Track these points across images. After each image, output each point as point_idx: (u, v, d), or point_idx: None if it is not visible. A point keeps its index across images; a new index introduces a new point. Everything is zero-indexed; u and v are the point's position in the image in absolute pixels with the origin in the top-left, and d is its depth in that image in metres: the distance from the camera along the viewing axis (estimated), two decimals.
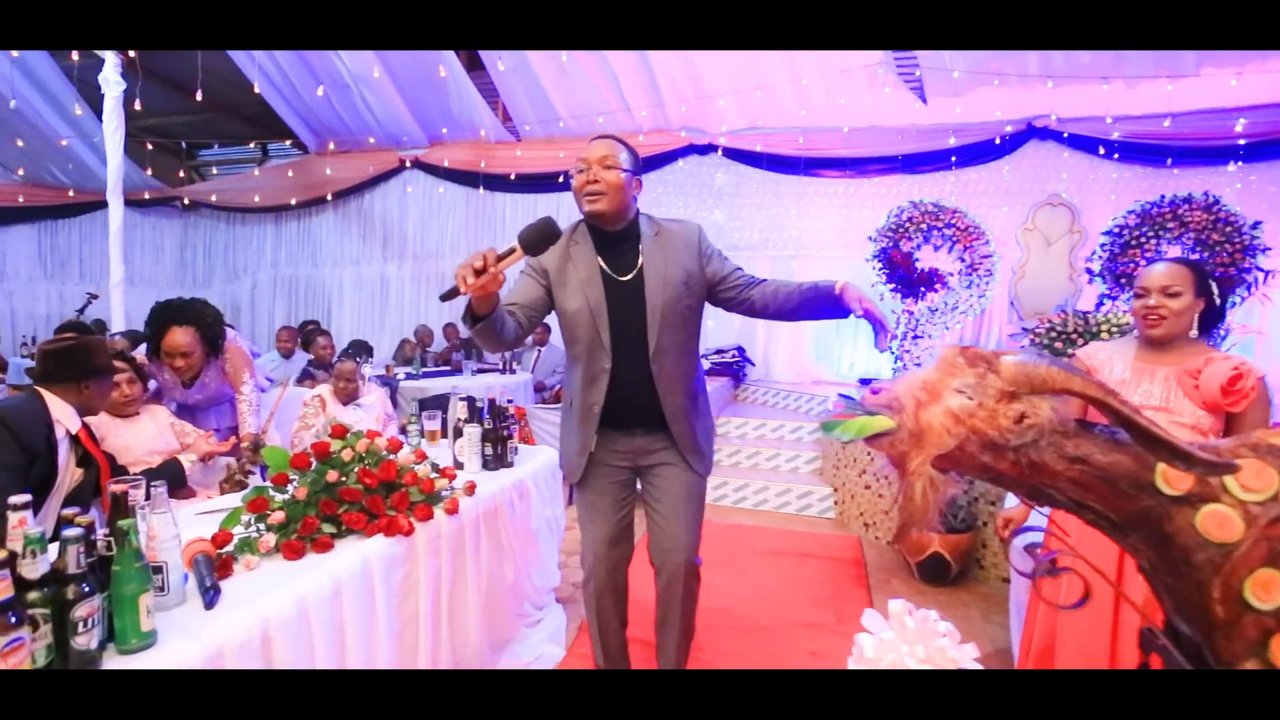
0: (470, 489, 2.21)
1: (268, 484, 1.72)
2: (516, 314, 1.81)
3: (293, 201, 8.39)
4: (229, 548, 1.59)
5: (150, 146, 8.10)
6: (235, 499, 1.92)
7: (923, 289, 5.99)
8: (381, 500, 1.84)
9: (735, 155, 6.93)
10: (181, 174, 8.56)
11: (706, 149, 7.02)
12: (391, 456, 2.00)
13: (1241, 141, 5.66)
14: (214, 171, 9.67)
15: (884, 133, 6.45)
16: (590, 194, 1.81)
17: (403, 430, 3.31)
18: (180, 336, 2.85)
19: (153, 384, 3.06)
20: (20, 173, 7.93)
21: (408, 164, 7.98)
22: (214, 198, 8.84)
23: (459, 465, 2.59)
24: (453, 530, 2.08)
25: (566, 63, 6.09)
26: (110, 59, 4.16)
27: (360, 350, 3.25)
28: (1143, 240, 5.49)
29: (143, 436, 2.64)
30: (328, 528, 1.72)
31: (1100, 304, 5.47)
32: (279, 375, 5.60)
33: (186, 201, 8.85)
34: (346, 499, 1.78)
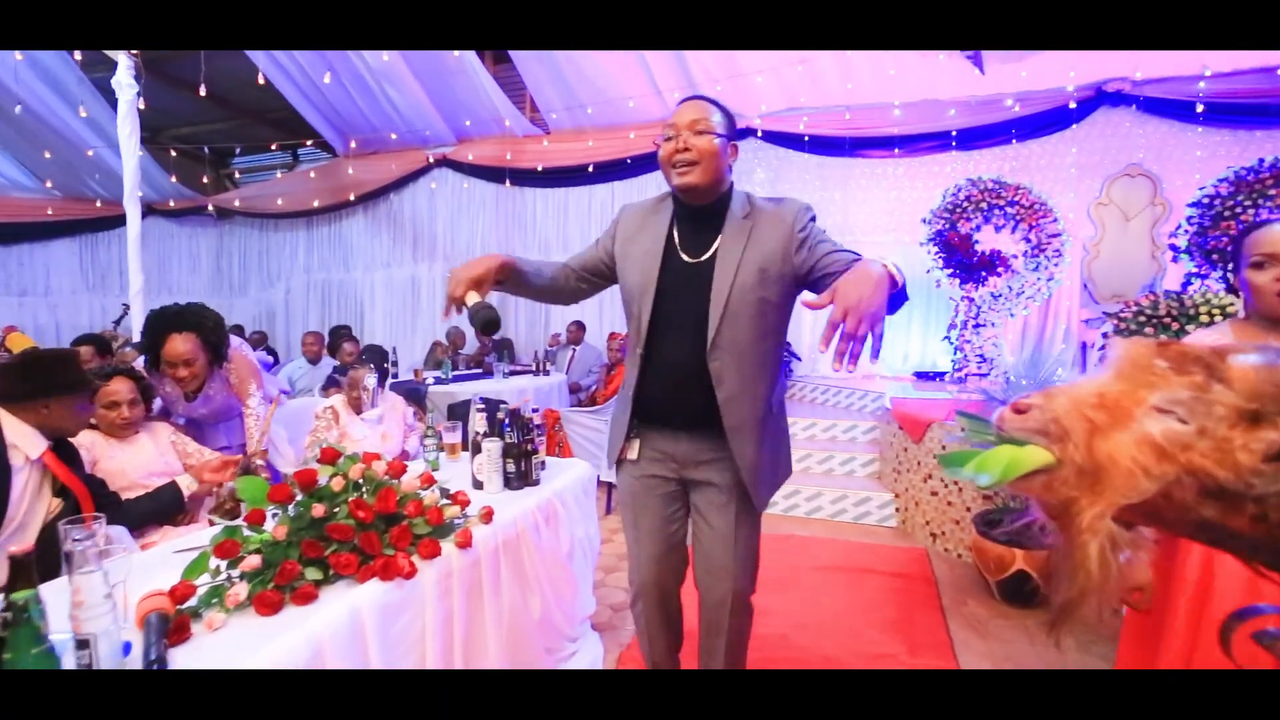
0: (487, 516, 1.93)
1: (240, 523, 1.46)
2: (571, 267, 1.81)
3: (315, 204, 8.32)
4: (190, 602, 1.33)
5: (174, 153, 8.05)
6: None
7: (984, 273, 5.52)
8: (378, 537, 1.56)
9: (775, 138, 6.53)
10: (206, 179, 8.52)
11: (744, 133, 6.64)
12: (393, 483, 1.72)
13: None
14: (238, 177, 9.65)
15: (936, 106, 5.98)
16: (681, 165, 1.56)
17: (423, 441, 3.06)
18: (181, 344, 2.64)
19: (156, 402, 2.87)
20: (49, 184, 7.98)
21: (430, 160, 7.78)
22: (236, 203, 8.83)
23: (478, 485, 2.31)
24: (466, 566, 1.79)
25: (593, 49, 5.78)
26: (123, 61, 4.02)
27: (373, 356, 2.99)
28: (1238, 211, 4.92)
29: (141, 458, 2.43)
30: (312, 573, 1.45)
31: (1187, 283, 4.93)
32: (305, 382, 5.46)
33: (211, 208, 8.84)
34: (335, 537, 1.51)
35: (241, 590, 1.37)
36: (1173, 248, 5.17)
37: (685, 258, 1.63)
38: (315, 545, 1.47)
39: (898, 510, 4.05)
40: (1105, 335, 4.07)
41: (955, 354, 5.61)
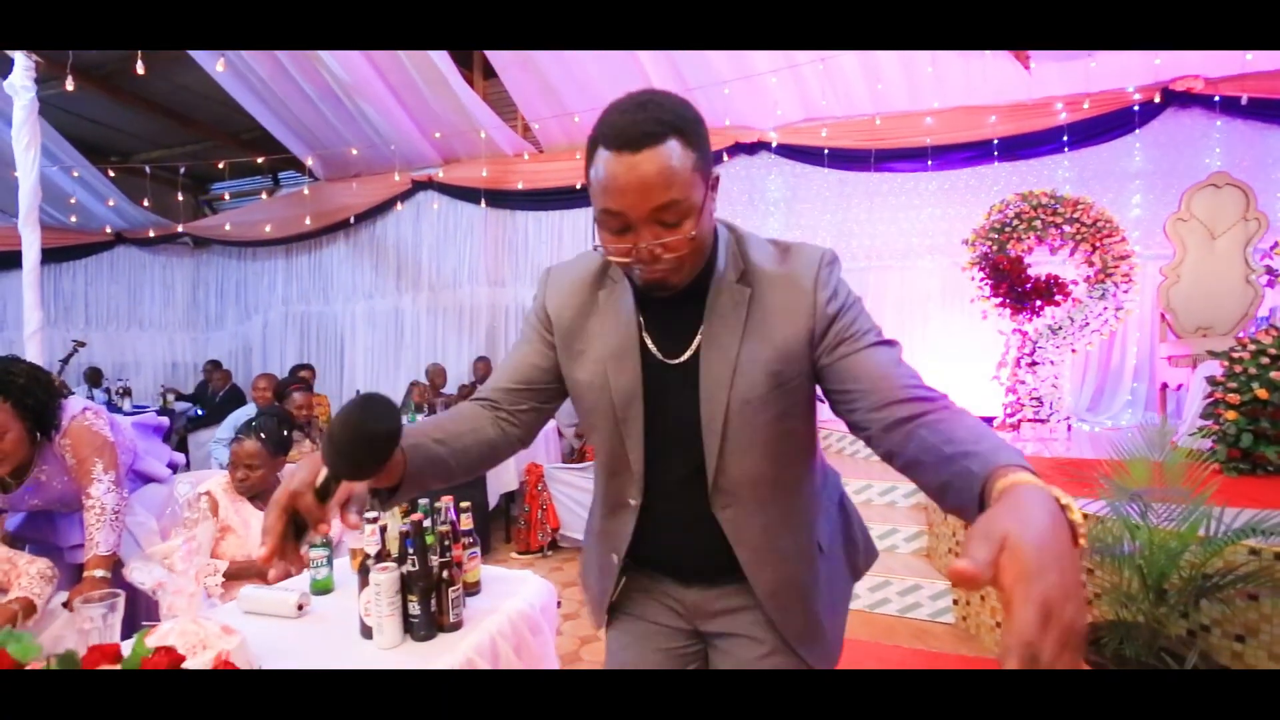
0: None
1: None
2: (494, 401, 1.08)
3: (287, 231, 7.69)
4: None
5: (113, 174, 7.46)
6: None
7: (1039, 302, 4.73)
8: None
9: (791, 152, 5.82)
10: (147, 203, 7.93)
11: (755, 148, 5.94)
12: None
13: None
14: (227, 198, 9.07)
15: (973, 113, 5.25)
16: (651, 279, 0.92)
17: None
18: None
19: None
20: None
21: (414, 182, 7.15)
22: (182, 232, 8.23)
23: (367, 633, 1.55)
24: None
25: (581, 53, 5.12)
26: (20, 61, 3.39)
27: (264, 424, 2.23)
28: None
29: None
30: None
31: None
32: None
33: (179, 230, 8.26)
34: None
35: None
36: (1269, 270, 4.36)
37: (662, 358, 1.02)
38: None
39: (956, 603, 3.22)
40: (1212, 380, 3.26)
41: (1007, 396, 4.80)
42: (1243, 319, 4.35)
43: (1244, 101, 4.62)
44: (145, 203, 7.48)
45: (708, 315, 0.98)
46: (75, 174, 6.48)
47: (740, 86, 5.07)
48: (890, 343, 0.93)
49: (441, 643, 1.55)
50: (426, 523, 1.63)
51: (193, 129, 7.66)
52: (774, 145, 5.82)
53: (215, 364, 8.00)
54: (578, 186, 6.18)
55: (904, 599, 3.31)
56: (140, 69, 4.29)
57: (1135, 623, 2.23)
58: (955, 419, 0.80)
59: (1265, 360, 3.06)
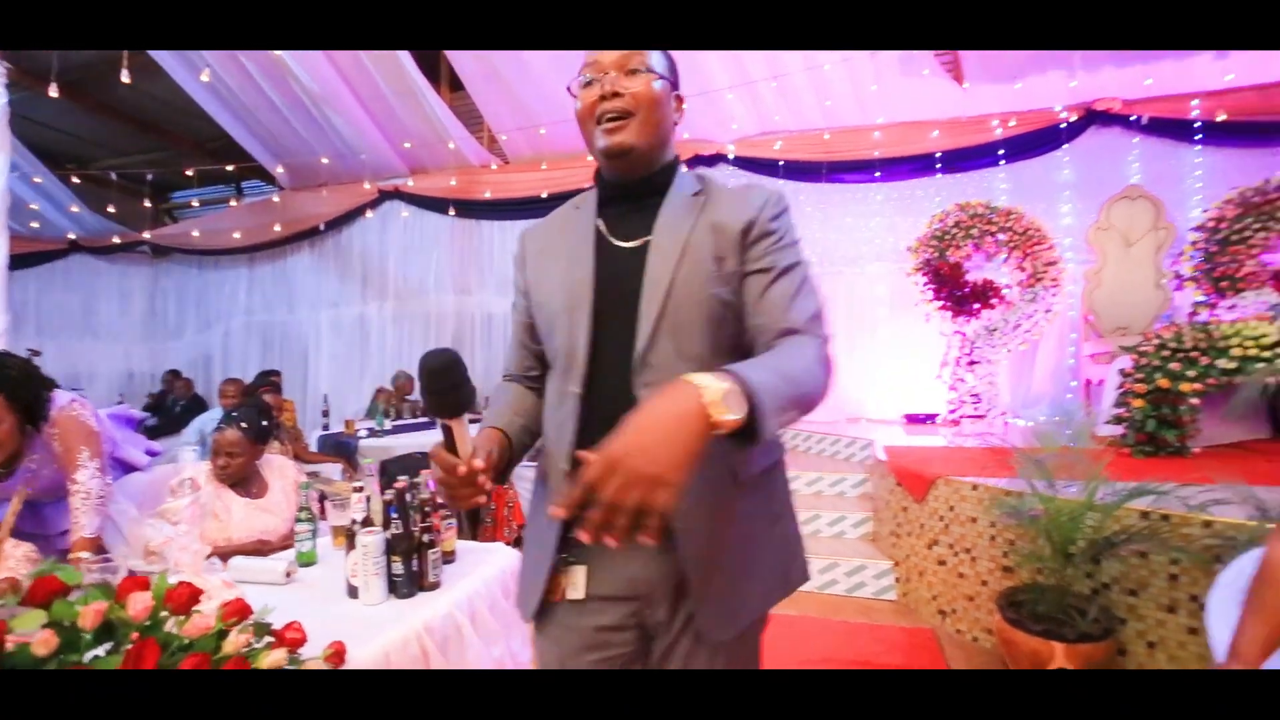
0: (335, 657, 1.31)
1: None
2: (518, 374, 1.22)
3: (249, 240, 7.70)
4: None
5: (79, 180, 7.41)
6: None
7: (976, 305, 5.08)
8: None
9: (748, 164, 6.11)
10: (113, 209, 7.84)
11: (714, 160, 6.21)
12: (173, 624, 1.12)
13: None
14: (197, 204, 9.00)
15: (918, 128, 5.60)
16: (610, 116, 1.04)
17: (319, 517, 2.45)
18: None
19: None
20: None
21: (379, 191, 7.25)
22: (143, 240, 8.20)
23: (353, 593, 1.70)
24: None
25: (546, 64, 5.33)
26: None
27: (245, 414, 2.36)
28: (1246, 234, 4.55)
29: None
30: None
31: (1192, 314, 4.52)
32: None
33: (146, 237, 8.18)
34: None
35: None
36: (1177, 274, 4.78)
37: (616, 243, 1.09)
38: None
39: (898, 580, 3.47)
40: (1123, 373, 3.59)
41: (949, 394, 5.12)
42: (1155, 319, 4.75)
43: (1144, 121, 5.06)
44: (110, 209, 7.39)
45: (665, 205, 1.08)
46: (37, 180, 6.42)
47: (699, 102, 5.33)
48: (797, 267, 1.05)
49: (421, 600, 1.71)
50: (408, 495, 1.79)
51: (155, 136, 7.62)
52: (731, 157, 6.10)
53: (175, 373, 7.93)
54: (544, 196, 6.37)
55: (850, 579, 3.55)
56: (126, 77, 4.35)
57: (1049, 584, 2.49)
58: (783, 349, 0.96)
59: (1166, 354, 3.39)
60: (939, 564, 3.18)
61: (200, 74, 5.45)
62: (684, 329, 1.01)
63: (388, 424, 4.90)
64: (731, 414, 0.75)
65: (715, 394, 0.75)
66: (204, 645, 1.14)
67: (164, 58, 5.54)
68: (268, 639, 1.26)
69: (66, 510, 2.33)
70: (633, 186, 1.10)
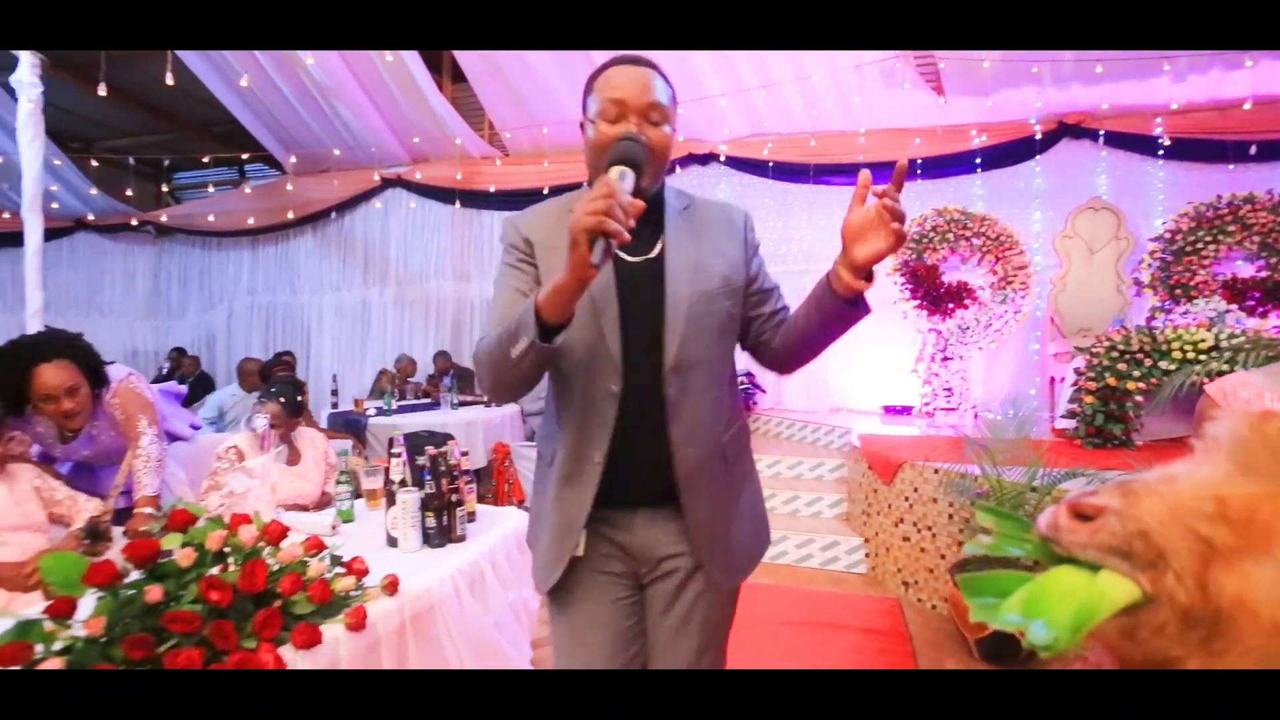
0: (391, 586, 1.61)
1: (40, 617, 1.13)
2: None
3: (254, 222, 7.91)
4: None
5: (97, 163, 7.59)
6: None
7: (951, 305, 5.40)
8: (233, 626, 1.23)
9: (739, 164, 6.39)
10: (130, 193, 8.02)
11: (707, 159, 6.49)
12: (267, 552, 1.40)
13: None
14: (211, 188, 9.17)
15: (901, 135, 5.91)
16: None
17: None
18: (54, 374, 2.26)
19: (35, 448, 2.48)
20: None
21: (381, 179, 7.47)
22: (165, 218, 8.42)
23: (393, 542, 1.99)
24: (359, 651, 1.47)
25: (549, 64, 5.57)
26: (26, 59, 3.66)
27: (282, 389, 2.64)
28: (1199, 246, 4.90)
29: None
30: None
31: (1151, 319, 4.87)
32: (238, 411, 5.03)
33: (137, 223, 8.36)
34: (174, 630, 1.18)
35: None
36: (1136, 281, 5.12)
37: (626, 257, 1.22)
38: (143, 642, 1.14)
39: (867, 555, 3.81)
40: (1078, 371, 3.93)
41: (924, 388, 5.46)
42: (1114, 322, 5.10)
43: (1101, 135, 5.40)
44: (129, 192, 7.57)
45: (668, 223, 1.24)
46: (56, 162, 6.59)
47: (693, 106, 5.61)
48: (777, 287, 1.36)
49: (451, 550, 2.00)
50: (438, 461, 2.08)
51: (162, 119, 7.78)
52: (723, 157, 6.37)
53: (181, 351, 8.14)
54: (545, 191, 6.62)
55: (825, 554, 3.88)
56: (170, 80, 4.57)
57: (994, 556, 2.82)
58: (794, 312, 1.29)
59: (1115, 355, 3.73)
60: (904, 540, 3.51)
61: (240, 80, 5.67)
62: (701, 336, 1.21)
63: (394, 404, 5.18)
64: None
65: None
66: (294, 568, 1.43)
67: (189, 56, 5.73)
68: (339, 569, 1.55)
69: (113, 473, 2.61)
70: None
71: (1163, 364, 3.64)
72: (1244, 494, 0.45)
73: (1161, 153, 5.33)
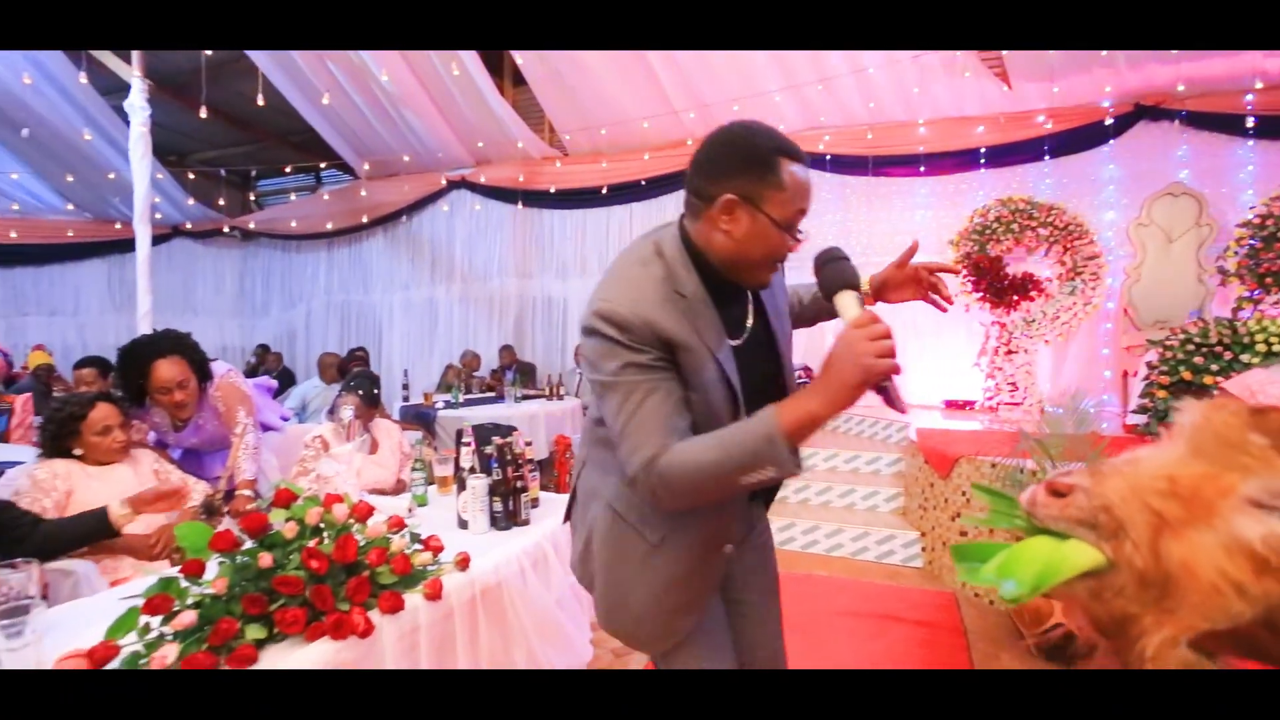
0: (463, 562, 1.77)
1: (175, 573, 1.32)
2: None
3: (330, 226, 8.39)
4: (112, 665, 1.19)
5: (192, 175, 8.19)
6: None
7: (1015, 297, 5.26)
8: (331, 591, 1.41)
9: None
10: (223, 201, 8.62)
11: None
12: (356, 529, 1.58)
13: None
14: (292, 198, 9.79)
15: (963, 123, 5.77)
16: (774, 271, 1.22)
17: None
18: (168, 368, 2.55)
19: (151, 435, 2.79)
20: (70, 206, 8.16)
21: (446, 182, 7.80)
22: (252, 225, 8.98)
23: (463, 524, 2.16)
24: (435, 619, 1.63)
25: (604, 66, 5.70)
26: (136, 85, 4.05)
27: (361, 383, 2.87)
28: None
29: (118, 487, 2.32)
30: (253, 632, 1.30)
31: (1236, 309, 4.63)
32: (319, 403, 5.39)
33: (228, 229, 8.96)
34: (283, 591, 1.36)
35: (170, 652, 1.22)
36: (1221, 270, 4.87)
37: (732, 343, 1.19)
38: (258, 600, 1.33)
39: (924, 550, 3.80)
40: (1149, 365, 3.80)
41: (987, 382, 5.35)
42: (1196, 313, 4.87)
43: (1180, 116, 5.12)
44: (221, 201, 8.19)
45: (768, 309, 1.26)
46: (159, 175, 7.19)
47: (749, 102, 5.63)
48: None
49: (516, 532, 2.16)
50: (505, 451, 2.24)
51: (246, 131, 8.32)
52: None
53: (265, 348, 8.70)
54: (603, 191, 6.78)
55: (880, 547, 3.89)
56: (260, 100, 4.95)
57: None
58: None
59: (1190, 347, 3.59)
60: (961, 535, 3.49)
61: (322, 97, 6.10)
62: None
63: (461, 397, 5.44)
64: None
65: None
66: (379, 543, 1.60)
67: (274, 73, 6.14)
68: (417, 545, 1.72)
69: (221, 460, 2.89)
70: (734, 287, 1.20)
71: (1245, 357, 3.48)
72: (1191, 473, 0.52)
73: (1252, 132, 5.04)
